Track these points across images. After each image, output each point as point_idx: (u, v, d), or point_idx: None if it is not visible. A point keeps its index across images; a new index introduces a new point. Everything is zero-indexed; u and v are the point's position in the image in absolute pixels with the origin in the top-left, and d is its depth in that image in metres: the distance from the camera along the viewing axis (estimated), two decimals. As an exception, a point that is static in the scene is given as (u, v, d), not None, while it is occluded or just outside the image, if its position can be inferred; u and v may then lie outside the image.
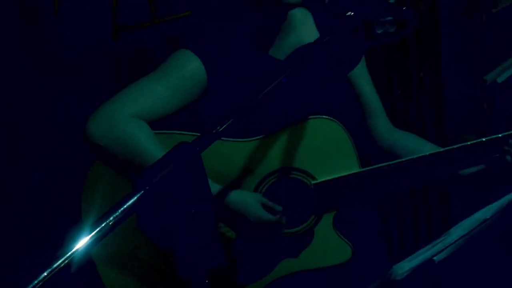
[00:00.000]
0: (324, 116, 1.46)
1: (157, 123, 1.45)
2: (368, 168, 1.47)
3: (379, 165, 1.47)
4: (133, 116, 1.39)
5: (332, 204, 1.47)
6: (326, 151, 1.47)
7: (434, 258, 0.92)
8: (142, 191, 0.78)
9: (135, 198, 0.77)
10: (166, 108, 1.44)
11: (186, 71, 1.46)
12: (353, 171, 1.46)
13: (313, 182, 1.46)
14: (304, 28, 1.55)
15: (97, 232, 0.75)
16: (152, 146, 1.36)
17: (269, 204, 1.44)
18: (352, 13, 1.23)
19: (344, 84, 1.61)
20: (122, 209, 0.76)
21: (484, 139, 1.42)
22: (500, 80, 3.02)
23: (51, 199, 2.16)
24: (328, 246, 1.51)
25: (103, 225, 0.75)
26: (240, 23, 1.52)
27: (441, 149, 1.49)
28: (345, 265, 1.51)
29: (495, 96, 3.04)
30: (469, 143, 1.43)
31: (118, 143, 1.36)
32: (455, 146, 1.44)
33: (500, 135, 1.42)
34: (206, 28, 1.55)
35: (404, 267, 0.93)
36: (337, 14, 1.30)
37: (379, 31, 1.58)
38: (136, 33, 2.29)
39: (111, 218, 0.76)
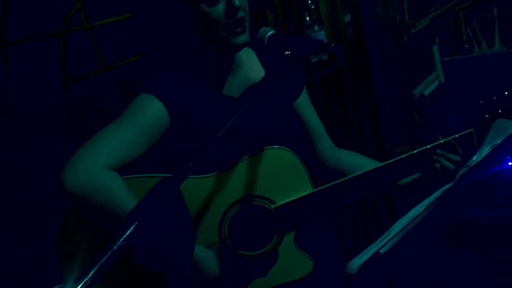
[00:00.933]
0: (276, 146, 1.58)
1: (123, 169, 1.51)
2: (319, 188, 1.59)
3: (329, 184, 1.60)
4: (107, 167, 1.45)
5: (292, 224, 1.59)
6: (281, 177, 1.58)
7: (380, 251, 1.08)
8: (136, 222, 0.90)
9: (131, 228, 0.88)
10: (136, 152, 1.51)
11: (150, 114, 1.52)
12: (307, 192, 1.59)
13: (273, 206, 1.58)
14: (250, 66, 1.68)
15: (100, 265, 0.85)
16: (124, 196, 1.44)
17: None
18: (289, 52, 1.38)
19: (291, 114, 1.76)
20: (120, 241, 0.87)
21: (415, 151, 1.58)
22: (426, 92, 3.27)
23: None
24: (292, 262, 1.61)
25: (105, 258, 0.85)
26: (194, 65, 1.59)
27: (381, 164, 1.62)
28: (308, 277, 1.63)
29: (423, 107, 3.29)
30: (403, 156, 1.58)
31: (94, 193, 1.42)
32: (391, 160, 1.58)
33: (428, 146, 1.58)
34: (162, 71, 1.60)
35: (357, 262, 1.08)
36: (276, 54, 1.45)
37: (313, 60, 1.75)
38: (86, 82, 2.37)
39: (110, 250, 0.86)
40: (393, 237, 1.12)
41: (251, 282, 1.59)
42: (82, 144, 1.50)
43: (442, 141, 1.58)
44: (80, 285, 0.81)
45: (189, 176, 1.49)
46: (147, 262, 1.11)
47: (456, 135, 1.60)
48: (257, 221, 1.58)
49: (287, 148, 1.58)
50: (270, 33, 1.45)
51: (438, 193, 1.27)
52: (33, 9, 2.20)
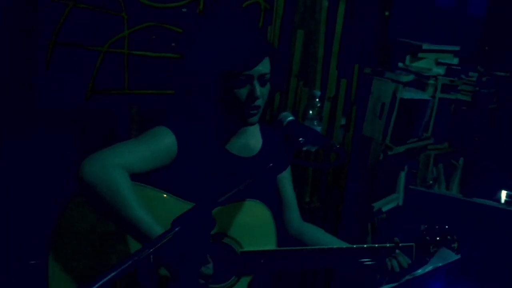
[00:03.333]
0: (258, 200, 1.83)
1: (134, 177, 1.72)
2: (282, 248, 1.84)
3: (291, 248, 1.85)
4: (118, 165, 1.66)
5: (251, 270, 1.82)
6: (254, 228, 1.82)
7: None
8: (176, 229, 1.16)
9: (172, 232, 1.16)
10: (143, 168, 1.73)
11: (163, 143, 1.77)
12: (271, 248, 1.83)
13: (240, 250, 1.82)
14: (252, 135, 1.98)
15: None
16: (128, 192, 1.63)
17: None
18: (302, 140, 1.69)
19: (274, 183, 2.07)
20: (165, 239, 1.13)
21: (376, 245, 1.88)
22: (384, 209, 3.58)
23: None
24: None
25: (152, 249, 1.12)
26: (209, 121, 1.87)
27: (344, 245, 1.89)
28: None
29: (377, 221, 3.60)
30: (365, 245, 1.87)
31: (104, 184, 1.61)
32: (354, 246, 1.87)
33: (387, 245, 1.88)
34: (183, 115, 1.86)
35: None
36: (289, 137, 1.76)
37: (304, 148, 2.07)
38: (106, 98, 2.63)
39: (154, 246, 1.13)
40: None
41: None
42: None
43: (394, 245, 1.88)
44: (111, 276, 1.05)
45: (177, 199, 1.75)
46: (173, 264, 1.35)
47: (400, 244, 1.91)
48: (222, 257, 1.79)
49: (266, 206, 1.85)
50: (289, 118, 1.76)
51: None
52: (89, 21, 2.49)
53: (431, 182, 3.53)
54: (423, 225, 1.91)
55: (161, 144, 1.78)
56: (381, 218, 3.58)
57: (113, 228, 1.74)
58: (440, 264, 1.74)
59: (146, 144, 1.76)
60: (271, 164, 1.58)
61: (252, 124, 1.83)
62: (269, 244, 1.85)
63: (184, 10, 2.71)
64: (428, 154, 3.68)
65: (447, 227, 1.91)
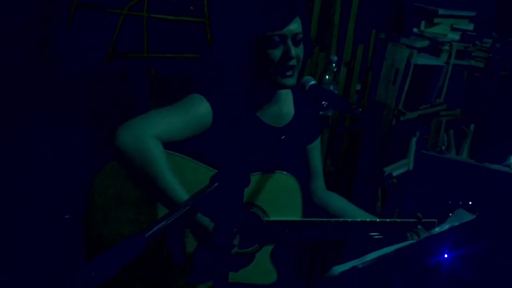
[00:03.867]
0: (285, 172, 1.86)
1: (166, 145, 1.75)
2: (307, 219, 1.89)
3: (315, 219, 1.89)
4: (153, 135, 1.68)
5: (274, 239, 1.88)
6: (281, 198, 1.86)
7: (358, 265, 1.40)
8: (215, 184, 1.22)
9: (212, 187, 1.23)
10: (177, 137, 1.75)
11: (198, 112, 1.77)
12: (296, 218, 1.88)
13: (265, 219, 1.87)
14: (285, 103, 1.97)
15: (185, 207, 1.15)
16: (161, 163, 1.67)
17: None
18: (325, 103, 1.71)
19: (303, 152, 2.09)
20: (207, 191, 1.21)
21: (398, 220, 1.92)
22: (395, 173, 3.63)
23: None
24: (261, 269, 1.89)
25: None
26: (242, 88, 1.87)
27: (366, 218, 1.94)
28: (268, 286, 1.93)
29: (387, 186, 3.66)
30: (388, 220, 1.91)
31: (138, 155, 1.65)
32: (378, 220, 1.91)
33: (410, 220, 1.91)
34: (218, 84, 1.87)
35: (338, 269, 1.39)
36: (313, 100, 1.77)
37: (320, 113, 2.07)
38: (126, 61, 2.64)
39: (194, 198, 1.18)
40: (367, 261, 1.44)
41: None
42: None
43: (416, 220, 1.92)
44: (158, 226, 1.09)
45: (204, 166, 1.78)
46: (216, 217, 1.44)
47: (423, 220, 1.94)
48: (249, 224, 1.86)
49: (294, 178, 1.89)
50: (311, 82, 1.78)
51: (405, 243, 1.62)
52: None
53: (443, 147, 3.55)
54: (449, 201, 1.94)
55: (196, 113, 1.78)
56: (391, 183, 3.64)
57: (144, 196, 1.78)
58: (456, 223, 1.78)
59: (181, 114, 1.77)
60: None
61: (289, 86, 1.80)
62: (295, 215, 1.90)
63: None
64: (440, 120, 3.70)
65: (470, 202, 1.94)
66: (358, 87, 2.97)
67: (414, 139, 3.68)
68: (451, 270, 2.17)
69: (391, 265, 1.59)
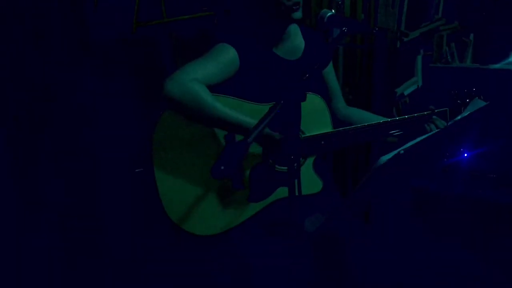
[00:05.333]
0: (313, 93, 2.13)
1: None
2: (337, 129, 2.16)
3: (344, 128, 2.15)
4: (195, 79, 1.95)
5: (313, 151, 2.16)
6: (312, 116, 2.13)
7: (400, 151, 1.68)
8: (282, 102, 1.53)
9: (280, 105, 1.53)
10: (214, 81, 2.02)
11: (227, 57, 2.04)
12: (328, 130, 2.15)
13: (303, 136, 2.16)
14: (295, 37, 2.25)
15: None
16: (209, 98, 1.95)
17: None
18: (346, 29, 1.96)
19: (320, 76, 2.36)
20: (277, 108, 1.51)
21: (415, 114, 2.16)
22: (406, 92, 3.87)
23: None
24: (308, 180, 2.16)
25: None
26: (258, 30, 2.14)
27: (387, 119, 2.17)
28: (316, 194, 2.22)
29: (401, 105, 3.90)
30: (406, 116, 2.16)
31: (187, 96, 1.91)
32: (397, 118, 2.16)
33: (425, 113, 2.17)
34: (238, 30, 2.14)
35: (384, 158, 1.67)
36: (328, 31, 2.03)
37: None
38: (149, 28, 2.90)
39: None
40: (407, 147, 1.72)
41: (277, 188, 2.16)
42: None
43: (430, 112, 2.18)
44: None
45: (249, 102, 2.06)
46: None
47: (436, 110, 2.21)
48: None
49: (320, 96, 2.17)
50: (329, 13, 2.00)
51: (434, 132, 1.91)
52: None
53: (448, 58, 3.77)
54: (453, 90, 2.20)
55: (226, 58, 2.05)
56: (404, 101, 3.88)
57: (203, 131, 2.06)
58: (473, 110, 2.03)
59: (214, 60, 2.04)
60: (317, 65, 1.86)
61: (297, 19, 2.06)
62: (326, 128, 2.17)
63: None
64: (441, 35, 3.90)
65: (474, 89, 2.20)
66: (363, 17, 3.20)
67: (419, 57, 3.89)
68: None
69: (429, 147, 1.86)
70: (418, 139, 1.80)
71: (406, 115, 2.14)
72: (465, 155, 3.22)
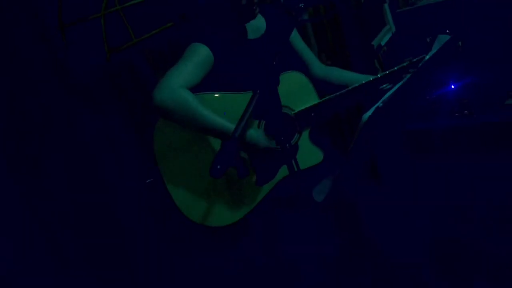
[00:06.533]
0: (291, 70, 2.22)
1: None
2: (323, 99, 2.24)
3: (329, 96, 2.23)
4: (181, 85, 2.02)
5: (307, 123, 2.24)
6: (298, 91, 2.21)
7: (379, 105, 1.76)
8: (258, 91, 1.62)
9: (257, 94, 1.63)
10: (196, 79, 2.09)
11: (201, 55, 2.12)
12: (315, 102, 2.23)
13: (293, 112, 2.25)
14: (258, 18, 2.31)
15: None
16: (196, 105, 2.02)
17: (268, 136, 2.23)
18: (302, 4, 2.04)
19: (291, 48, 2.42)
20: (255, 98, 1.59)
21: (395, 68, 2.19)
22: (383, 42, 3.94)
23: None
24: (308, 153, 2.25)
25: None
26: (226, 25, 2.21)
27: (370, 78, 2.22)
28: (320, 164, 2.31)
29: (381, 56, 3.97)
30: (387, 71, 2.19)
31: (176, 104, 1.99)
32: (379, 75, 2.20)
33: (404, 64, 2.19)
34: (206, 28, 2.21)
35: (366, 115, 1.76)
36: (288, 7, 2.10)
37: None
38: (123, 52, 2.97)
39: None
40: (384, 99, 1.81)
41: (280, 167, 2.26)
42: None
43: (408, 62, 2.23)
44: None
45: (228, 93, 2.14)
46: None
47: (413, 59, 2.24)
48: (285, 122, 2.24)
49: (299, 71, 2.24)
50: None
51: (406, 78, 1.99)
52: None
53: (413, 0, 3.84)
54: (428, 38, 2.25)
55: (201, 55, 2.13)
56: (383, 51, 3.95)
57: (196, 135, 2.16)
58: (439, 46, 2.09)
59: (190, 61, 2.11)
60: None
61: (255, 16, 2.18)
62: (313, 100, 2.25)
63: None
64: (401, -22, 3.96)
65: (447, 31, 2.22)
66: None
67: (385, 6, 3.97)
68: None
69: (405, 92, 1.94)
70: (393, 89, 1.88)
71: (387, 63, 2.19)
72: (452, 87, 3.31)
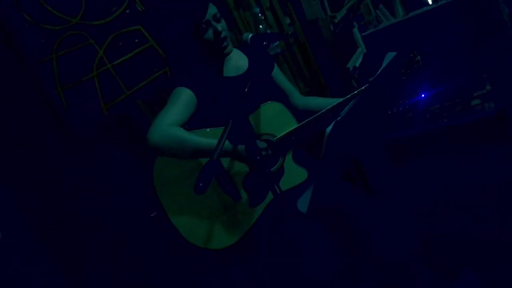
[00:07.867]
0: (269, 101, 2.43)
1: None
2: (301, 123, 2.42)
3: (306, 120, 2.41)
4: (171, 124, 2.24)
5: (289, 147, 2.44)
6: (276, 120, 2.41)
7: (337, 120, 1.98)
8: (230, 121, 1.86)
9: (229, 124, 1.85)
10: (184, 118, 2.30)
11: (185, 97, 2.33)
12: (294, 126, 2.43)
13: (275, 138, 2.44)
14: (238, 58, 2.55)
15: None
16: (188, 136, 2.23)
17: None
18: (265, 42, 2.28)
19: (272, 82, 2.68)
20: (228, 129, 1.82)
21: (363, 87, 2.38)
22: (357, 64, 4.19)
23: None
24: (293, 173, 2.44)
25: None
26: (203, 66, 2.43)
27: (340, 99, 2.41)
28: (305, 182, 2.48)
29: (356, 75, 4.23)
30: (356, 91, 2.38)
31: (170, 141, 2.20)
32: (349, 95, 2.40)
33: (362, 88, 2.40)
34: (187, 73, 2.42)
35: (328, 130, 1.96)
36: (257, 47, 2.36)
37: (272, 53, 2.62)
38: (117, 105, 3.24)
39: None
40: (343, 114, 2.04)
41: (270, 189, 2.46)
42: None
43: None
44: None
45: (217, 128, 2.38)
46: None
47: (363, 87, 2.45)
48: (268, 148, 2.45)
49: (278, 102, 2.45)
50: (250, 35, 2.32)
51: (360, 94, 2.23)
52: (73, 62, 3.08)
53: (381, 18, 4.10)
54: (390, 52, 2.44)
55: (184, 98, 2.35)
56: (357, 72, 4.21)
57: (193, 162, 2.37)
58: (387, 62, 2.23)
59: (175, 104, 2.34)
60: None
61: (229, 52, 2.42)
62: (292, 125, 2.46)
63: (127, 11, 3.27)
64: (366, 3, 4.26)
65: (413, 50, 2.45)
66: (288, 20, 3.56)
67: (355, 30, 4.25)
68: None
69: (361, 107, 2.18)
70: (350, 104, 2.12)
71: (362, 82, 2.38)
72: (422, 95, 3.56)
